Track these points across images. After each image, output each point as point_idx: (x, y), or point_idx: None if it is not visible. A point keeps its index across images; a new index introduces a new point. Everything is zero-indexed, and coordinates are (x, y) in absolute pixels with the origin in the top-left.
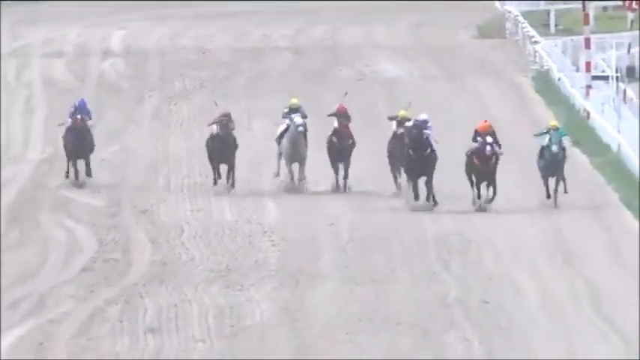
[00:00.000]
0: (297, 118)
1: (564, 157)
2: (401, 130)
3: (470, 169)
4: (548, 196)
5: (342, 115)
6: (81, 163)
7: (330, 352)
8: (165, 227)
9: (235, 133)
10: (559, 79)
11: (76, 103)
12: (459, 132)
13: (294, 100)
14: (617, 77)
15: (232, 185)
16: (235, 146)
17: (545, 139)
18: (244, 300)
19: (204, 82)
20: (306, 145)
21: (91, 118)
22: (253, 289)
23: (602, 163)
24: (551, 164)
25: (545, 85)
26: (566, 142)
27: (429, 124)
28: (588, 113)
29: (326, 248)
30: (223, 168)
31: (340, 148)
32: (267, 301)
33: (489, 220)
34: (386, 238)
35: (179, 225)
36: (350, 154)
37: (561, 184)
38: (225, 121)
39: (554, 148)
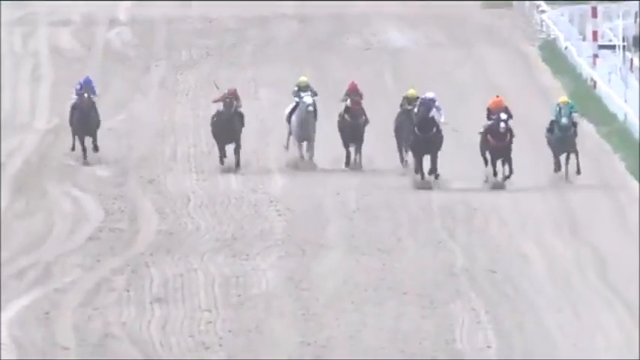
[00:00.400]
0: (307, 97)
1: (575, 132)
2: (409, 107)
3: (484, 146)
4: (557, 169)
5: (354, 93)
6: (87, 140)
7: (336, 322)
8: (171, 197)
9: (242, 101)
10: (566, 48)
11: (82, 81)
12: (464, 101)
13: (303, 78)
14: (624, 46)
15: (237, 164)
16: (241, 124)
17: (555, 114)
18: (250, 269)
19: (211, 50)
20: (315, 124)
21: (96, 95)
22: (259, 259)
23: (609, 133)
24: (562, 139)
25: (552, 54)
26: (577, 117)
27: (436, 103)
28: (595, 82)
29: (332, 218)
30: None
31: (353, 126)
32: (273, 270)
33: (494, 190)
34: (392, 207)
35: (185, 195)
36: (363, 132)
37: (573, 159)
38: (230, 100)
39: (564, 120)
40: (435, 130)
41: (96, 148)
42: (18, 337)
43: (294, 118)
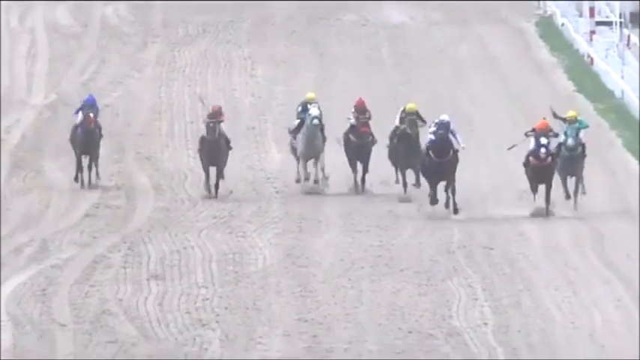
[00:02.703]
0: (314, 109)
1: (584, 153)
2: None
3: (527, 170)
4: (568, 197)
5: (361, 110)
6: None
7: (333, 299)
8: (168, 173)
9: (238, 79)
10: (562, 25)
11: (84, 100)
12: (462, 78)
13: (311, 95)
14: (620, 23)
15: (216, 188)
16: (227, 149)
17: (561, 134)
18: (247, 246)
19: (207, 27)
20: (323, 141)
21: (97, 113)
22: (256, 236)
23: (606, 109)
24: (569, 161)
25: (549, 30)
26: (586, 135)
27: (452, 126)
28: (592, 59)
29: (329, 195)
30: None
31: (359, 147)
32: (270, 247)
33: (492, 165)
34: (389, 184)
35: (182, 171)
36: (369, 153)
37: (580, 185)
38: (213, 124)
39: (570, 142)
40: (451, 153)
41: (97, 174)
42: (15, 314)
43: (300, 135)
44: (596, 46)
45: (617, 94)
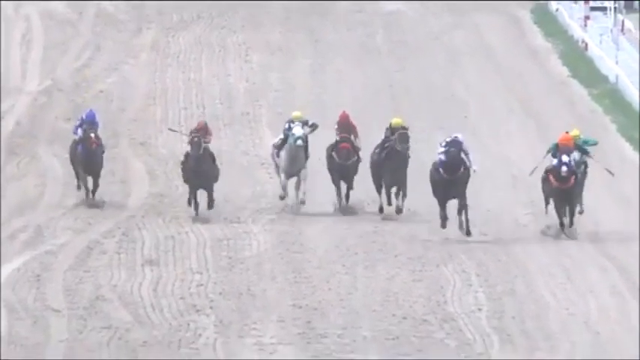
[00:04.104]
0: (297, 129)
1: (585, 173)
2: (390, 142)
3: (547, 188)
4: (562, 224)
5: (344, 126)
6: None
7: (328, 284)
8: (163, 159)
9: (233, 65)
10: (557, 10)
11: (83, 116)
12: (457, 64)
13: (297, 113)
14: (615, 8)
15: (210, 206)
16: (214, 167)
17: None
18: (241, 232)
19: (202, 13)
20: (306, 159)
21: (97, 129)
22: (250, 221)
23: (600, 94)
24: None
25: (544, 16)
26: (589, 153)
27: (464, 146)
28: (586, 44)
29: (323, 181)
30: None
31: (341, 167)
32: (265, 233)
33: (486, 151)
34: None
35: (177, 157)
36: (354, 174)
37: (578, 206)
38: (198, 139)
39: (576, 156)
40: (462, 169)
41: (95, 190)
42: (9, 299)
43: (282, 152)
44: (590, 32)
45: (612, 79)
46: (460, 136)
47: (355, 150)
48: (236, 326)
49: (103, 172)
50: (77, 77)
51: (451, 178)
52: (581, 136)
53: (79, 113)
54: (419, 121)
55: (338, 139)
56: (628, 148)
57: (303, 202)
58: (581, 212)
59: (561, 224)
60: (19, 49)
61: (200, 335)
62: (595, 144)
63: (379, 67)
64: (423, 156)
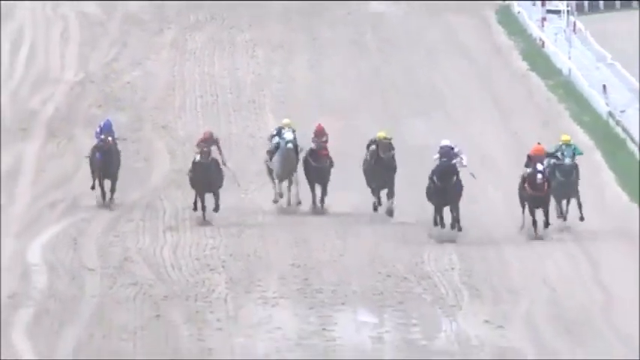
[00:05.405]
0: (288, 134)
1: (577, 175)
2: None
3: (522, 195)
4: (560, 216)
5: (320, 135)
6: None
7: (322, 247)
8: (181, 140)
9: (241, 60)
10: (518, 12)
11: (101, 124)
12: (434, 60)
13: (286, 121)
14: (568, 11)
15: (216, 209)
16: (220, 173)
17: (558, 154)
18: (249, 203)
19: (215, 15)
20: (297, 162)
21: (115, 137)
22: (257, 194)
23: (555, 85)
24: (564, 183)
25: (507, 17)
26: (580, 159)
27: (456, 149)
28: (543, 42)
29: None
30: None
31: (317, 170)
32: (269, 204)
33: (460, 132)
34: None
35: (193, 138)
36: (328, 176)
37: (574, 204)
38: (207, 149)
39: (567, 161)
40: (455, 178)
41: (113, 191)
42: (50, 260)
43: (275, 157)
44: (547, 31)
45: (565, 72)
46: (449, 142)
47: (329, 156)
48: (244, 283)
49: (129, 150)
50: (107, 70)
51: (444, 186)
52: (572, 142)
53: (108, 101)
54: (403, 109)
55: (314, 146)
56: (579, 131)
57: (299, 203)
58: (581, 219)
59: (534, 222)
60: (58, 45)
61: (213, 291)
62: (580, 154)
63: (369, 61)
64: (408, 139)
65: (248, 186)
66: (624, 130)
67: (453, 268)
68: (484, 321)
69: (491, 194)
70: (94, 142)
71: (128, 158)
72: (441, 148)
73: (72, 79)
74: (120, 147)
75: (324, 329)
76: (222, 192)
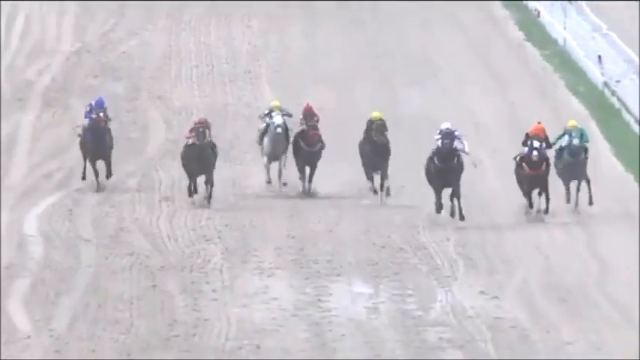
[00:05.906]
0: (277, 117)
1: (586, 158)
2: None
3: (519, 176)
4: (569, 200)
5: (309, 115)
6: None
7: (318, 218)
8: (177, 110)
9: (237, 30)
10: None
11: (92, 102)
12: (429, 32)
13: (276, 103)
14: None
15: (209, 197)
16: (214, 156)
17: (564, 139)
18: (245, 173)
19: None
20: (287, 144)
21: (107, 116)
22: (252, 164)
23: (550, 55)
24: (573, 164)
25: None
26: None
27: (457, 133)
28: (539, 12)
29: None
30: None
31: (308, 154)
32: (264, 174)
33: (453, 102)
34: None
35: (189, 108)
36: (318, 160)
37: (584, 187)
38: (203, 130)
39: (576, 142)
40: (455, 160)
41: (109, 173)
42: (46, 231)
43: (265, 139)
44: (542, 1)
45: (560, 42)
46: (450, 125)
47: (320, 138)
48: (240, 253)
49: (125, 120)
50: (103, 40)
51: (445, 167)
52: (579, 126)
53: (105, 71)
54: (397, 78)
55: (305, 127)
56: (574, 101)
57: (285, 184)
58: (590, 203)
59: (530, 205)
60: (55, 15)
61: (209, 261)
62: (587, 141)
63: (363, 32)
64: (402, 109)
65: (244, 156)
66: (619, 100)
67: (447, 239)
68: (479, 292)
69: (485, 162)
70: (85, 122)
71: (124, 128)
72: (442, 130)
73: (68, 49)
74: (112, 125)
75: (319, 300)
76: (217, 161)
